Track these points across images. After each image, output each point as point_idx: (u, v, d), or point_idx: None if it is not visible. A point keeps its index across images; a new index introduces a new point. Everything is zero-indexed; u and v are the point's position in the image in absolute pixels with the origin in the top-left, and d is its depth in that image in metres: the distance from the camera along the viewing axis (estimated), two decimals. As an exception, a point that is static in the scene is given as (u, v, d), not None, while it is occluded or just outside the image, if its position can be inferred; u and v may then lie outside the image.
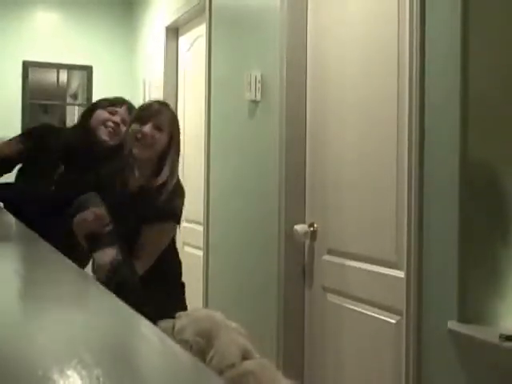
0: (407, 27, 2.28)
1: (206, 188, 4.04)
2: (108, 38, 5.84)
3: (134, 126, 2.51)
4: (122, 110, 2.80)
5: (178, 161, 2.58)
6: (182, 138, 5.04)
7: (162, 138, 2.50)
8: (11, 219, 1.67)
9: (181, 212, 2.54)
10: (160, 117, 2.52)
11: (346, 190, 2.77)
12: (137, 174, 2.54)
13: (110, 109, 2.80)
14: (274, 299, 3.13)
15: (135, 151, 2.50)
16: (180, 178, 2.68)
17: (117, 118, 2.76)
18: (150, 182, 2.49)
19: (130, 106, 2.84)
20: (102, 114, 2.78)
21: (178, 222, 2.53)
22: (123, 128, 2.71)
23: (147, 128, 2.47)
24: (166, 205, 2.45)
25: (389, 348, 2.46)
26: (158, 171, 2.50)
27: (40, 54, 5.62)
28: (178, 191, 2.54)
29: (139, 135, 2.48)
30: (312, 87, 3.05)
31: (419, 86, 2.18)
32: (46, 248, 1.04)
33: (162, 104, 2.64)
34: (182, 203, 2.54)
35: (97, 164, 2.71)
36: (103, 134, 2.74)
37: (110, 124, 2.75)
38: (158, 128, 2.49)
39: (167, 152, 2.52)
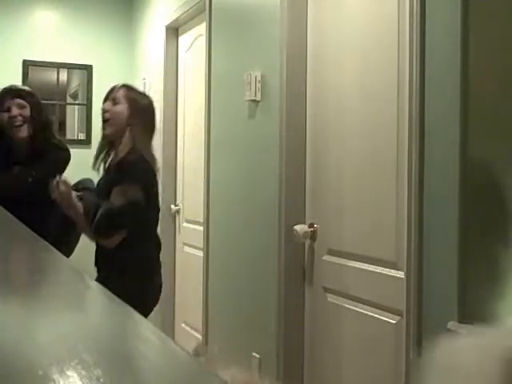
0: (407, 27, 2.28)
1: (206, 188, 4.04)
2: (108, 37, 5.83)
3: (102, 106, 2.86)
4: (10, 101, 3.11)
5: (146, 134, 2.83)
6: (182, 137, 5.03)
7: (119, 110, 2.78)
8: (7, 216, 1.66)
9: (144, 178, 2.72)
10: (115, 93, 2.83)
11: (346, 190, 2.77)
12: (112, 154, 2.85)
13: (5, 107, 3.11)
14: (274, 300, 3.13)
15: (103, 132, 2.84)
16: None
17: (13, 112, 3.09)
18: (124, 158, 2.74)
19: (13, 88, 3.21)
20: (3, 117, 3.11)
21: (143, 188, 2.69)
22: (25, 111, 3.11)
23: (106, 104, 2.83)
24: (131, 171, 2.68)
25: (389, 348, 2.46)
26: (131, 146, 2.75)
27: (40, 53, 5.61)
28: (142, 164, 2.73)
29: (102, 112, 2.82)
30: (312, 86, 3.05)
31: (419, 85, 2.18)
32: (44, 248, 1.04)
33: (122, 85, 2.93)
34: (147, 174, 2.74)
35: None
36: (16, 133, 3.09)
37: (13, 121, 3.09)
38: (114, 102, 2.81)
39: (130, 123, 2.77)
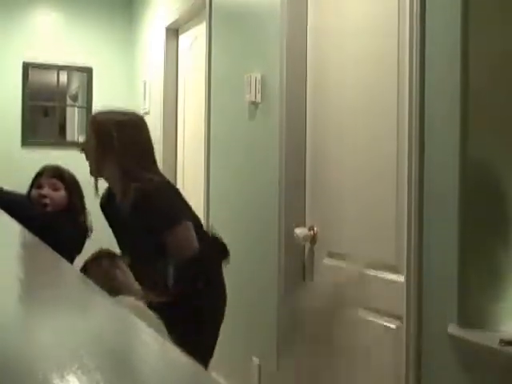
0: (407, 26, 2.27)
1: (205, 190, 4.04)
2: (108, 38, 5.84)
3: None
4: (44, 179, 3.02)
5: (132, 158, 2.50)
6: (182, 138, 5.03)
7: (89, 145, 2.52)
8: (11, 222, 1.66)
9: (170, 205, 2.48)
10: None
11: (346, 192, 2.77)
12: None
13: (38, 183, 3.04)
14: (274, 302, 3.13)
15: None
16: (170, 180, 2.71)
17: (43, 191, 2.99)
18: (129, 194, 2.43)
19: (48, 168, 3.09)
20: (33, 194, 3.00)
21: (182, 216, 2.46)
22: (55, 192, 2.98)
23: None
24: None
25: (389, 353, 2.45)
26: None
27: (40, 55, 5.61)
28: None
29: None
30: (312, 88, 3.05)
31: (419, 85, 2.18)
32: (46, 251, 1.04)
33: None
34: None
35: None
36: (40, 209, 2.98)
37: (41, 200, 2.97)
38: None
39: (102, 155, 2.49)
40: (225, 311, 2.61)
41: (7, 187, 3.02)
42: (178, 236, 2.41)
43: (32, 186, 3.03)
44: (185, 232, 2.42)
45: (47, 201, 2.95)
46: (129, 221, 2.45)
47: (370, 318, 2.59)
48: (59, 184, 2.99)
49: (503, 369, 1.89)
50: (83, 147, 2.57)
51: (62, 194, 2.99)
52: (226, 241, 2.67)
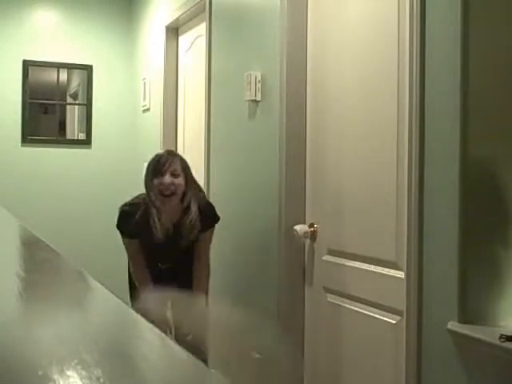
0: (407, 27, 2.28)
1: (205, 187, 4.03)
2: (108, 37, 5.83)
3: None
4: (166, 168, 3.05)
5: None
6: (182, 137, 5.04)
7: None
8: (13, 220, 1.66)
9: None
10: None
11: (346, 190, 2.77)
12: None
13: (157, 173, 3.06)
14: (274, 300, 3.13)
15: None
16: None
17: (166, 180, 3.04)
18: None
19: (170, 155, 3.17)
20: (167, 180, 3.05)
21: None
22: (175, 179, 3.05)
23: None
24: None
25: (389, 348, 2.46)
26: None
27: (40, 53, 5.61)
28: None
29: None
30: (312, 87, 3.05)
31: (419, 85, 2.18)
32: (45, 248, 1.04)
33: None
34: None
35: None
36: (165, 203, 3.07)
37: (170, 188, 3.05)
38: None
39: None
40: None
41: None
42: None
43: (153, 176, 3.06)
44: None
45: (171, 190, 3.04)
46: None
47: (371, 313, 2.59)
48: (179, 170, 3.08)
49: (503, 364, 1.89)
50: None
51: (181, 179, 3.08)
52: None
